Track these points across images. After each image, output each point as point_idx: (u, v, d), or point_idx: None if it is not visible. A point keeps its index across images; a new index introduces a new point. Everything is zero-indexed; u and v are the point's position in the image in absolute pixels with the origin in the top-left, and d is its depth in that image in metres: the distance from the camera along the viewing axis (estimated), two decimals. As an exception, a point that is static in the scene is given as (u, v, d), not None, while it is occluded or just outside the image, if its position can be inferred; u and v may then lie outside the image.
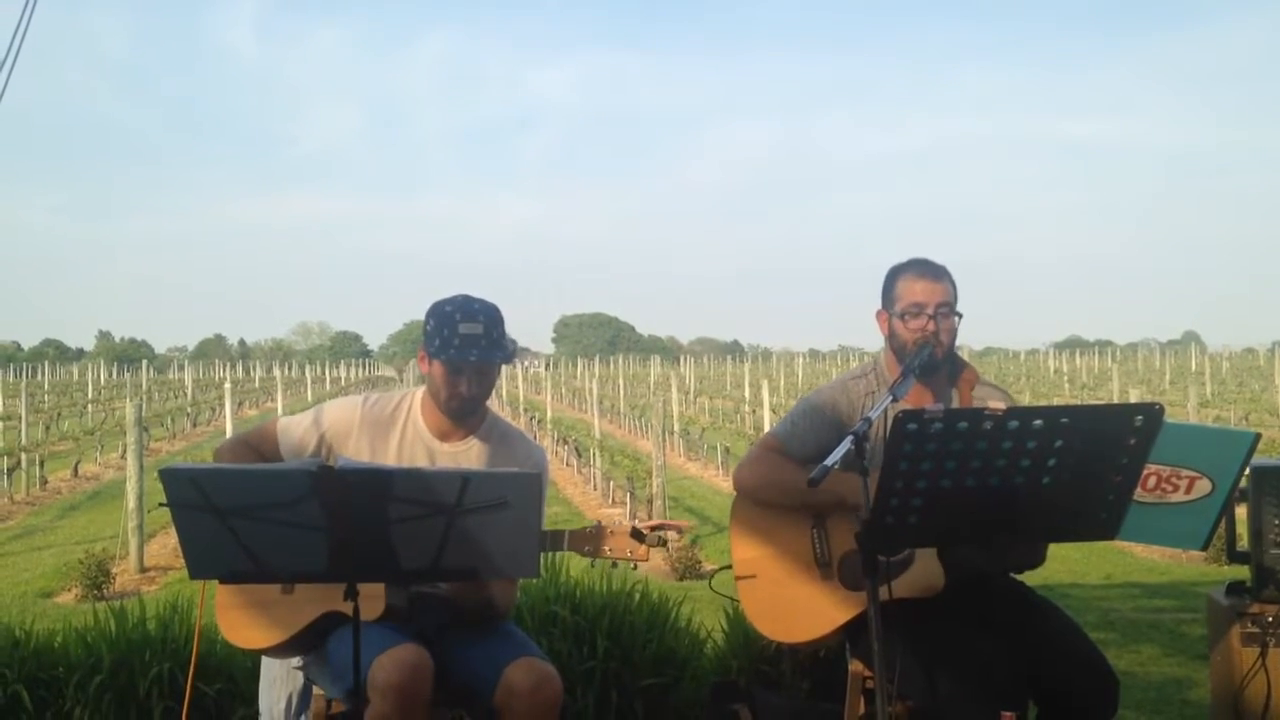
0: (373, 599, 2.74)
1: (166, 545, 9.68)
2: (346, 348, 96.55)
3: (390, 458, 2.94)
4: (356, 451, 2.92)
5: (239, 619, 2.92)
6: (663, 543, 2.80)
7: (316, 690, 2.97)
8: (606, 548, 2.74)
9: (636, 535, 2.73)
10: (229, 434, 13.29)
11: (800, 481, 2.72)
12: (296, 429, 2.98)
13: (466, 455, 2.98)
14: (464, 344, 2.82)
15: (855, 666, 3.01)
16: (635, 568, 2.85)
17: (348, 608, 2.43)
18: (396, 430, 2.98)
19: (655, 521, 2.82)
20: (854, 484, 2.57)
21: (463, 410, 2.93)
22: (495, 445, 3.02)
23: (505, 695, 2.71)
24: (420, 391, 3.02)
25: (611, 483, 13.03)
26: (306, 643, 2.89)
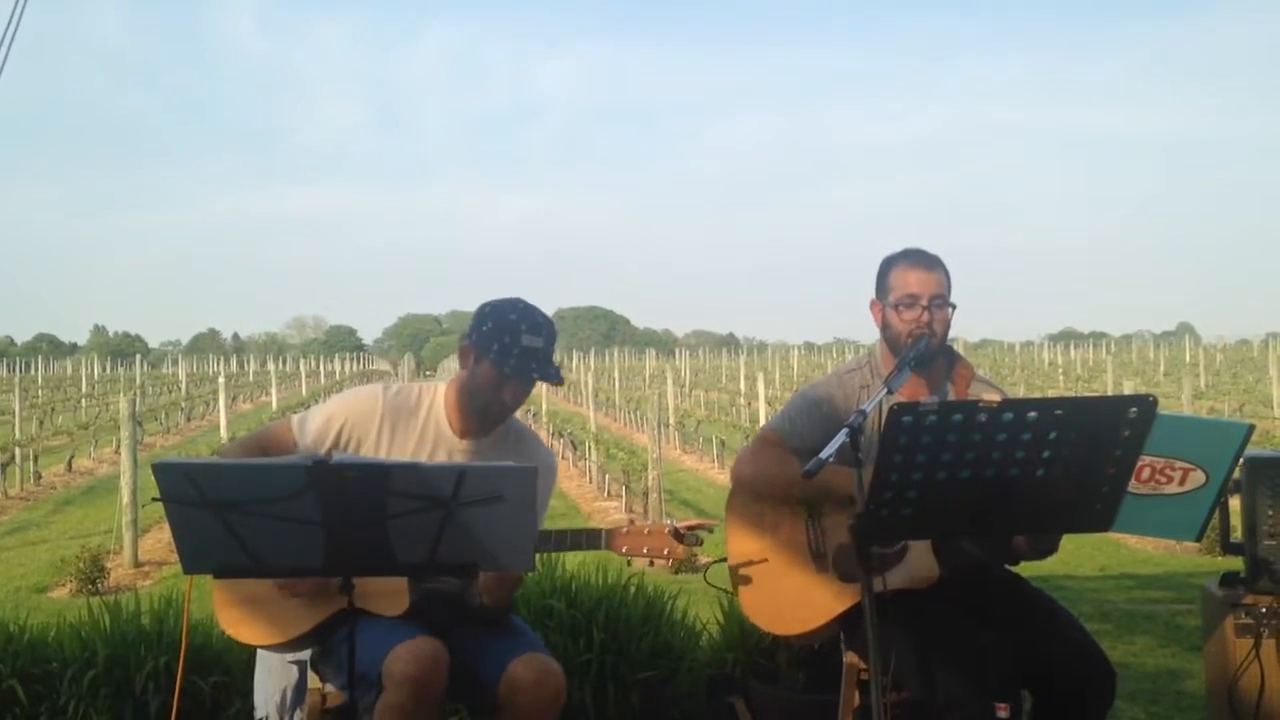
0: (397, 595, 2.76)
1: (161, 540, 9.67)
2: (341, 342, 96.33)
3: (409, 449, 2.90)
4: (378, 440, 2.88)
5: (242, 615, 2.91)
6: (699, 542, 2.82)
7: (312, 684, 2.97)
8: (645, 547, 2.73)
9: (676, 535, 2.73)
10: (223, 428, 13.27)
11: (796, 474, 2.75)
12: (314, 420, 2.90)
13: (482, 455, 2.94)
14: (524, 355, 2.77)
15: (850, 658, 3.02)
16: (670, 562, 2.88)
17: (364, 604, 2.41)
18: (418, 422, 2.94)
19: (693, 521, 2.84)
20: (844, 473, 2.61)
21: (500, 417, 2.90)
22: (511, 446, 3.00)
23: (508, 689, 2.73)
24: (443, 387, 2.97)
25: (607, 476, 13.03)
26: (315, 638, 2.90)
